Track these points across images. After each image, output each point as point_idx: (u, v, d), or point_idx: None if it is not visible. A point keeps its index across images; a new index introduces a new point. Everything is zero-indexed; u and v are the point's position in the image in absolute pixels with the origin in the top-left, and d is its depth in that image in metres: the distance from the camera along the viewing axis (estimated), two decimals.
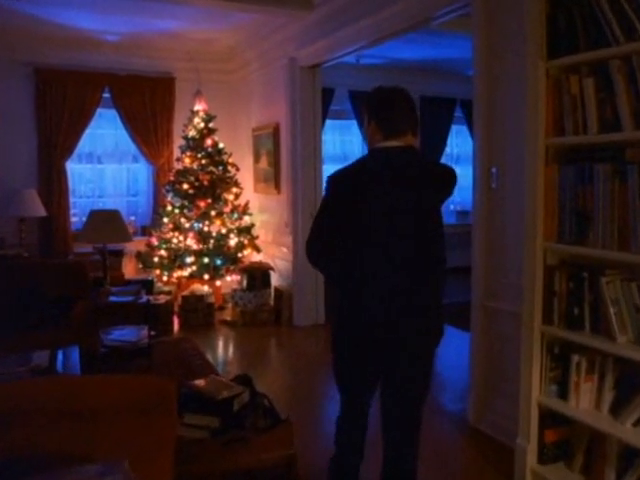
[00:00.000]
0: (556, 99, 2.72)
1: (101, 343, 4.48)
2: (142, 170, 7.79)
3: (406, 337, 2.30)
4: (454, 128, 9.67)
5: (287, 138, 6.34)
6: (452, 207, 9.96)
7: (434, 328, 2.41)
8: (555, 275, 2.76)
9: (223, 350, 5.78)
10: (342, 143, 8.95)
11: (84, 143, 7.46)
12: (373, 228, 2.27)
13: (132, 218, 7.71)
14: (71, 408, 1.91)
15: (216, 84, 7.77)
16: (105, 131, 7.61)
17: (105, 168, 7.65)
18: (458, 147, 10.00)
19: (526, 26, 2.80)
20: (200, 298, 6.25)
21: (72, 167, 7.41)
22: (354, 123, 8.84)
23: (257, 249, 7.01)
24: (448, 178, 2.45)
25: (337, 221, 2.31)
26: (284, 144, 6.47)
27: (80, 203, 7.51)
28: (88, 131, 7.40)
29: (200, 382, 2.71)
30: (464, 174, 10.42)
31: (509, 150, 3.48)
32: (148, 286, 6.32)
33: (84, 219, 7.50)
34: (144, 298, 4.61)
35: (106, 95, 7.31)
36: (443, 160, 9.55)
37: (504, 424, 3.45)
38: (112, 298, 4.65)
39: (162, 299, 6.03)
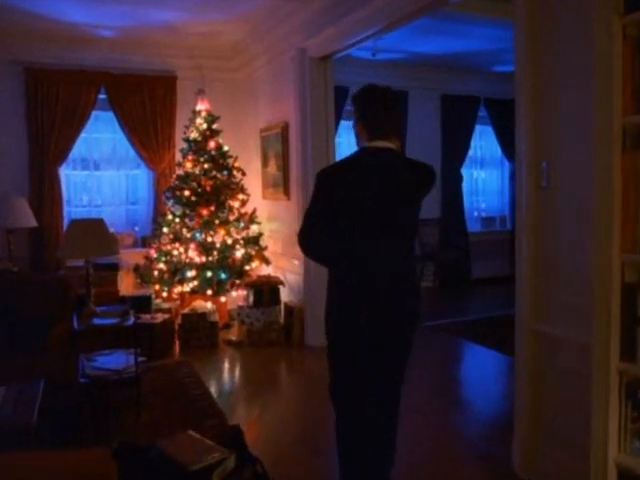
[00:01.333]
0: (636, 65, 2.07)
1: (81, 372, 3.88)
2: (142, 177, 7.23)
3: (396, 315, 2.51)
4: (477, 129, 8.99)
5: (297, 138, 5.74)
6: (476, 214, 9.27)
7: (417, 308, 2.63)
8: (637, 297, 2.11)
9: (226, 375, 5.15)
10: (357, 146, 8.30)
11: (79, 148, 6.93)
12: (362, 221, 2.46)
13: (136, 229, 7.16)
14: None
15: (221, 83, 7.21)
16: (102, 135, 7.07)
17: (102, 175, 7.09)
18: (482, 149, 9.31)
19: None
20: (202, 316, 5.64)
21: (66, 174, 6.88)
22: None
23: (266, 261, 6.40)
24: (428, 176, 2.66)
25: (329, 213, 2.48)
26: (294, 145, 5.86)
27: (75, 213, 6.95)
28: (84, 135, 6.87)
29: (173, 443, 2.09)
30: (489, 179, 9.88)
31: (564, 140, 2.83)
32: (145, 303, 5.74)
33: None
34: (131, 320, 4.00)
35: (102, 96, 6.77)
36: (467, 164, 8.89)
37: (564, 478, 2.78)
38: (96, 320, 4.05)
39: (159, 318, 5.44)
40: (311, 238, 2.52)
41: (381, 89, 2.59)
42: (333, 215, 2.47)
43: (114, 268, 5.93)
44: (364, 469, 2.53)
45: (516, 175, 3.16)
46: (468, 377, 5.12)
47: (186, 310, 5.72)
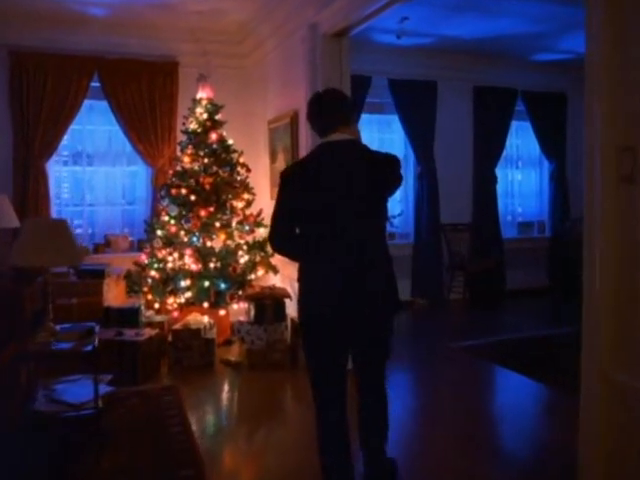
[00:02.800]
0: None
1: (29, 409, 3.15)
2: (140, 173, 6.54)
3: (359, 307, 2.53)
4: (513, 125, 8.11)
5: (307, 129, 4.96)
6: (510, 218, 8.38)
7: (385, 301, 2.60)
8: None
9: (217, 406, 4.37)
10: (381, 142, 7.52)
11: (70, 141, 6.31)
12: (321, 216, 2.53)
13: (126, 231, 6.48)
14: None
15: (227, 70, 6.50)
16: (96, 127, 6.41)
17: (96, 171, 6.43)
18: (518, 148, 8.43)
19: None
20: (196, 333, 4.90)
21: (55, 169, 6.23)
22: (395, 118, 7.41)
23: (273, 269, 5.64)
24: (388, 163, 2.62)
25: (291, 212, 2.58)
26: (303, 137, 5.10)
27: (65, 212, 6.29)
28: (75, 127, 6.25)
29: None
30: (526, 180, 8.94)
31: None
32: (132, 316, 5.02)
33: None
34: (90, 345, 3.25)
35: (95, 84, 6.11)
36: (501, 164, 8.03)
37: None
38: (54, 344, 3.32)
39: (146, 334, 4.71)
40: (277, 238, 2.65)
41: (319, 92, 2.75)
42: (295, 213, 2.58)
43: (99, 275, 5.22)
44: (333, 462, 2.66)
45: (584, 167, 2.33)
46: (503, 412, 4.28)
47: (177, 326, 4.99)
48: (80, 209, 6.39)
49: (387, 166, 2.61)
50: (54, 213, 6.14)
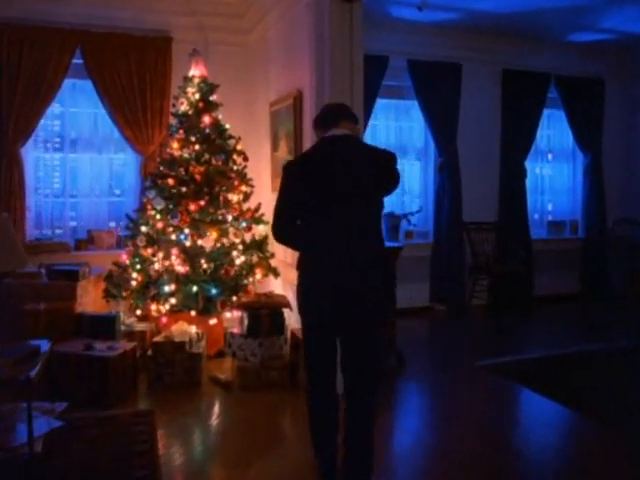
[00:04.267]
0: None
1: None
2: (129, 162, 5.88)
3: (355, 299, 2.60)
4: (545, 113, 7.32)
5: (312, 111, 4.26)
6: (537, 216, 7.60)
7: (377, 294, 2.66)
8: None
9: (202, 438, 3.68)
10: (399, 130, 6.79)
11: (51, 125, 5.66)
12: (321, 207, 2.62)
13: (112, 225, 5.83)
14: None
15: (226, 47, 5.83)
16: (80, 110, 5.75)
17: (80, 158, 5.77)
18: (550, 139, 7.65)
19: None
20: (179, 346, 4.23)
21: (33, 156, 5.59)
22: (414, 104, 6.67)
23: (273, 272, 4.96)
24: (387, 161, 2.71)
25: (293, 204, 2.69)
26: (308, 122, 4.39)
27: (44, 204, 5.66)
28: (58, 109, 5.62)
29: None
30: (557, 174, 8.08)
31: None
32: (107, 326, 4.37)
33: (51, 228, 5.72)
34: (24, 374, 2.57)
35: (78, 61, 5.44)
36: (531, 157, 7.26)
37: None
38: None
39: (119, 348, 4.04)
40: (280, 228, 2.71)
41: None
42: (297, 205, 2.67)
43: (72, 277, 4.56)
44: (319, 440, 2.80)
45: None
46: (534, 447, 3.55)
47: (159, 337, 4.32)
48: (61, 200, 5.73)
49: (386, 162, 2.70)
50: (31, 205, 5.51)
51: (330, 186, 2.58)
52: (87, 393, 3.88)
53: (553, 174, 7.70)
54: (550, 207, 7.70)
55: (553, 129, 7.62)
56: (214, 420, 3.89)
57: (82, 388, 3.89)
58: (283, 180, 2.70)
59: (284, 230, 2.72)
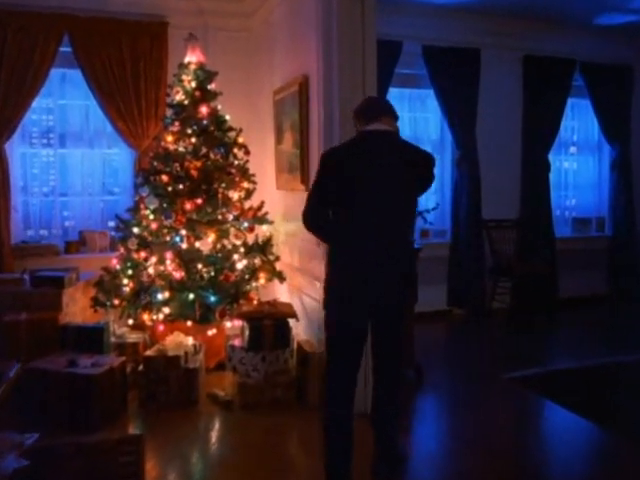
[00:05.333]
0: None
1: None
2: (125, 157, 5.46)
3: (384, 288, 2.66)
4: (569, 102, 6.83)
5: (319, 98, 3.83)
6: (560, 213, 7.10)
7: (406, 288, 2.76)
8: None
9: (196, 465, 3.25)
10: (413, 121, 6.33)
11: (39, 118, 5.26)
12: (354, 202, 2.62)
13: (107, 226, 5.42)
14: None
15: (227, 33, 5.43)
16: (71, 101, 5.34)
17: (70, 154, 5.36)
18: (574, 131, 7.16)
19: None
20: (173, 361, 3.81)
21: (19, 152, 5.19)
22: (430, 93, 6.21)
23: (279, 277, 4.53)
24: (425, 161, 2.74)
25: (328, 194, 2.67)
26: (315, 109, 3.95)
27: (32, 204, 5.26)
28: (46, 101, 5.22)
29: None
30: (583, 168, 7.56)
31: None
32: (94, 338, 3.96)
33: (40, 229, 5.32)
34: None
35: (67, 49, 5.03)
36: (554, 150, 6.77)
37: None
38: None
39: (106, 364, 3.62)
40: (310, 216, 2.74)
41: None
42: (330, 196, 2.66)
43: (57, 284, 4.15)
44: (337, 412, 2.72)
45: None
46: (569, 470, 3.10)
47: (150, 351, 3.89)
48: (51, 199, 5.33)
49: (425, 163, 2.74)
50: (18, 205, 5.11)
51: (366, 181, 2.59)
52: (70, 416, 3.47)
53: (577, 167, 7.20)
54: (573, 202, 7.21)
55: (577, 119, 7.13)
56: (211, 446, 3.46)
57: (64, 410, 3.48)
58: (319, 169, 2.70)
59: (314, 218, 2.73)
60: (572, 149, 7.19)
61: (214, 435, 3.59)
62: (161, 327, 4.24)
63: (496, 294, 6.25)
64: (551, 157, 6.71)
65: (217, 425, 3.68)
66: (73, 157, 5.36)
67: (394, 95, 6.05)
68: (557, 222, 6.83)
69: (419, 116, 6.37)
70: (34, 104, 4.99)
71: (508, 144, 6.50)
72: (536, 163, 6.59)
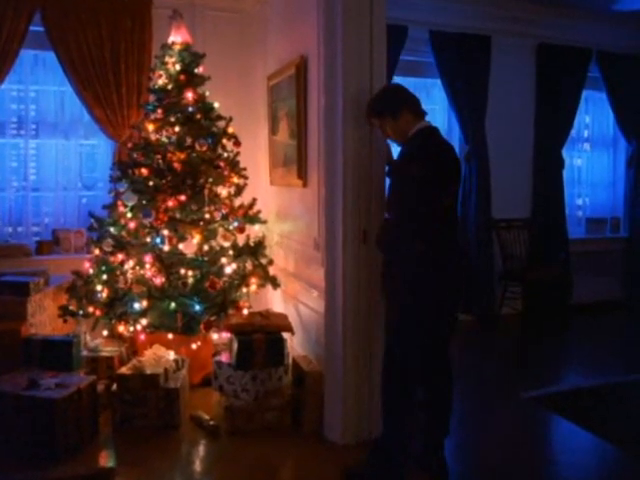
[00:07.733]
0: None
1: None
2: (104, 149, 4.97)
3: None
4: (584, 95, 6.39)
5: (320, 82, 3.36)
6: (572, 212, 6.65)
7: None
8: None
9: None
10: None
11: (8, 105, 4.77)
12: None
13: (83, 224, 4.92)
14: None
15: (217, 13, 4.96)
16: (44, 87, 4.86)
17: (43, 144, 4.87)
18: (588, 125, 6.71)
19: None
20: (151, 380, 3.33)
21: None
22: (437, 82, 5.77)
23: (273, 282, 4.06)
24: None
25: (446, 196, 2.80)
26: (314, 95, 3.49)
27: (0, 200, 4.77)
28: (15, 87, 4.73)
29: None
30: (597, 164, 7.10)
31: None
32: (62, 353, 3.48)
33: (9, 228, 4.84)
34: None
35: (38, 28, 4.54)
36: (568, 146, 6.35)
37: None
38: None
39: (72, 385, 3.14)
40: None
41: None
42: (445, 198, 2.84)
43: (21, 290, 3.66)
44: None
45: None
46: None
47: (125, 369, 3.42)
48: (21, 194, 4.84)
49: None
50: None
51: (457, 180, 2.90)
52: (31, 446, 3.00)
53: (591, 164, 6.76)
54: (587, 201, 6.77)
55: (591, 113, 6.69)
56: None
57: (23, 440, 3.01)
58: (452, 167, 2.83)
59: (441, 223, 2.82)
60: (585, 145, 6.75)
61: (197, 467, 3.11)
62: (142, 337, 3.78)
63: (506, 299, 5.82)
64: (564, 153, 6.27)
65: (201, 455, 3.22)
66: (46, 148, 4.86)
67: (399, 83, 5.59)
68: (569, 222, 6.38)
69: (425, 107, 5.89)
70: (2, 89, 4.51)
71: (520, 138, 6.06)
72: (549, 159, 6.15)
